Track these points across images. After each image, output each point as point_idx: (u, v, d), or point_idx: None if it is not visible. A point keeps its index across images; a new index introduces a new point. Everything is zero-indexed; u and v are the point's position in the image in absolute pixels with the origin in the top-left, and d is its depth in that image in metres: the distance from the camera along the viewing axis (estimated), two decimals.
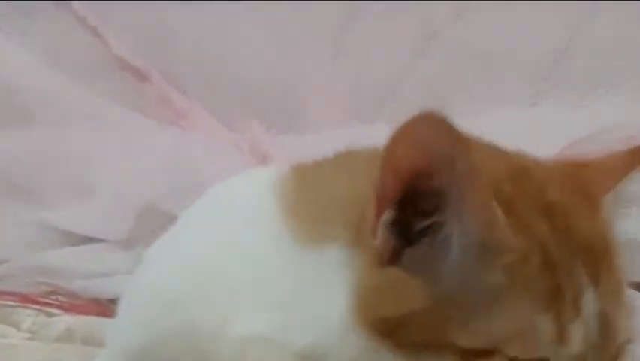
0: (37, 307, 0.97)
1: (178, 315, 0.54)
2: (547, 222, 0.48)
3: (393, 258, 0.48)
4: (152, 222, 0.98)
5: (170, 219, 0.71)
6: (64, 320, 0.94)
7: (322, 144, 1.16)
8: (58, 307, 0.98)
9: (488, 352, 0.46)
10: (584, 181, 0.53)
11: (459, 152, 0.44)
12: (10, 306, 0.97)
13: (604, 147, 1.01)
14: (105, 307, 0.95)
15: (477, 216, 0.46)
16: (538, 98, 1.17)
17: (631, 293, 0.52)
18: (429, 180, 0.46)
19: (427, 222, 0.47)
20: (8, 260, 1.05)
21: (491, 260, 0.46)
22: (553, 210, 0.49)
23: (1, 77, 1.22)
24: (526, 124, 1.10)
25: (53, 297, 1.00)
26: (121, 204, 1.07)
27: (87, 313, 0.96)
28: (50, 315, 0.96)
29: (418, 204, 0.47)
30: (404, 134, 0.45)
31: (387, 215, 0.47)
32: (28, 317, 0.95)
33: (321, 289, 0.50)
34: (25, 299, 0.99)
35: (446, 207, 0.46)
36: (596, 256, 0.49)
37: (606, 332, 0.48)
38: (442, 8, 1.24)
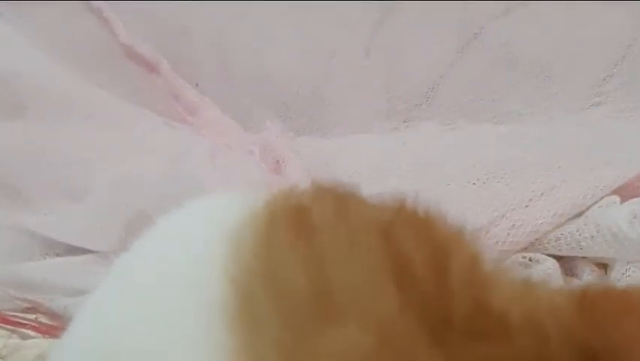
0: (10, 327, 0.85)
1: None
2: None
3: None
4: (143, 232, 0.85)
5: None
6: (38, 344, 0.81)
7: (348, 147, 1.05)
8: (34, 328, 0.85)
9: None
10: None
11: None
12: None
13: None
14: None
15: None
16: (598, 100, 1.04)
17: None
18: None
19: None
20: None
21: None
22: None
23: None
24: (587, 132, 0.96)
25: (32, 316, 0.88)
26: (112, 211, 0.94)
27: None
28: (25, 337, 0.84)
29: None
30: None
31: None
32: None
33: None
34: None
35: None
36: None
37: None
38: (485, 5, 1.14)
